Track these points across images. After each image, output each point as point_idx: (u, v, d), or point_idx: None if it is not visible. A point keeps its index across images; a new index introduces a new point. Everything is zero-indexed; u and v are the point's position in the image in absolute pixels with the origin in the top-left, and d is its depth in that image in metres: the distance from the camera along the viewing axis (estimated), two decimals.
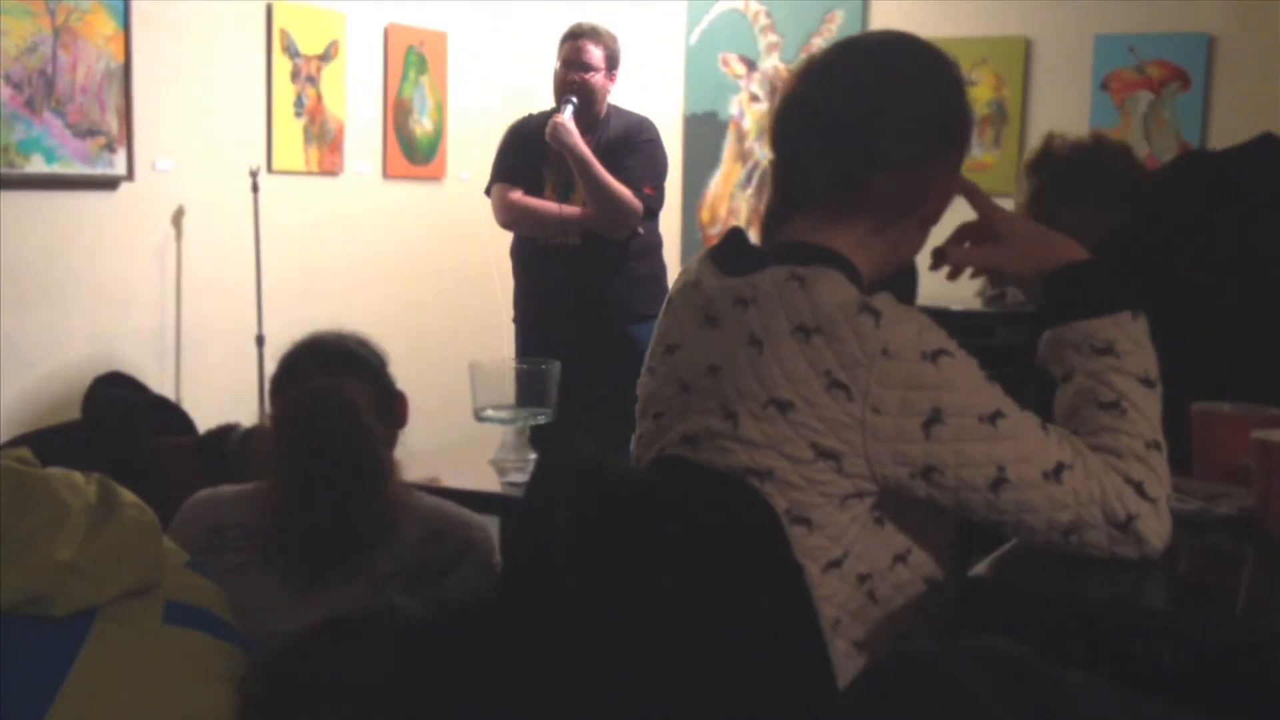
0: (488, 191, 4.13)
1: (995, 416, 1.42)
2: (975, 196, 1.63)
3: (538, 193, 4.02)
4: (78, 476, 1.71)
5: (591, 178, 3.87)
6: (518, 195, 4.00)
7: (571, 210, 3.96)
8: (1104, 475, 1.43)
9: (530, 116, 4.16)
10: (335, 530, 1.92)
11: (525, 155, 4.03)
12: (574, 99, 3.93)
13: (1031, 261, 1.59)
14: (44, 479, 1.67)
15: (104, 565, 1.63)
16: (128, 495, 1.73)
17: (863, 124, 1.52)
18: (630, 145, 4.00)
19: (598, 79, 3.99)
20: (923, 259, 1.70)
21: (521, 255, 4.14)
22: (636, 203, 3.93)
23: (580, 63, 3.97)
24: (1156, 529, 1.44)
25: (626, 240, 4.00)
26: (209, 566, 1.86)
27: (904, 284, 1.64)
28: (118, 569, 1.65)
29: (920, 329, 1.43)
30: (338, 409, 1.96)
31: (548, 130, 3.88)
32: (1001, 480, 1.41)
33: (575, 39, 4.00)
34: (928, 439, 1.41)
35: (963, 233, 1.67)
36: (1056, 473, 1.42)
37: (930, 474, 1.42)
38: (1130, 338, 1.50)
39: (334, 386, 1.98)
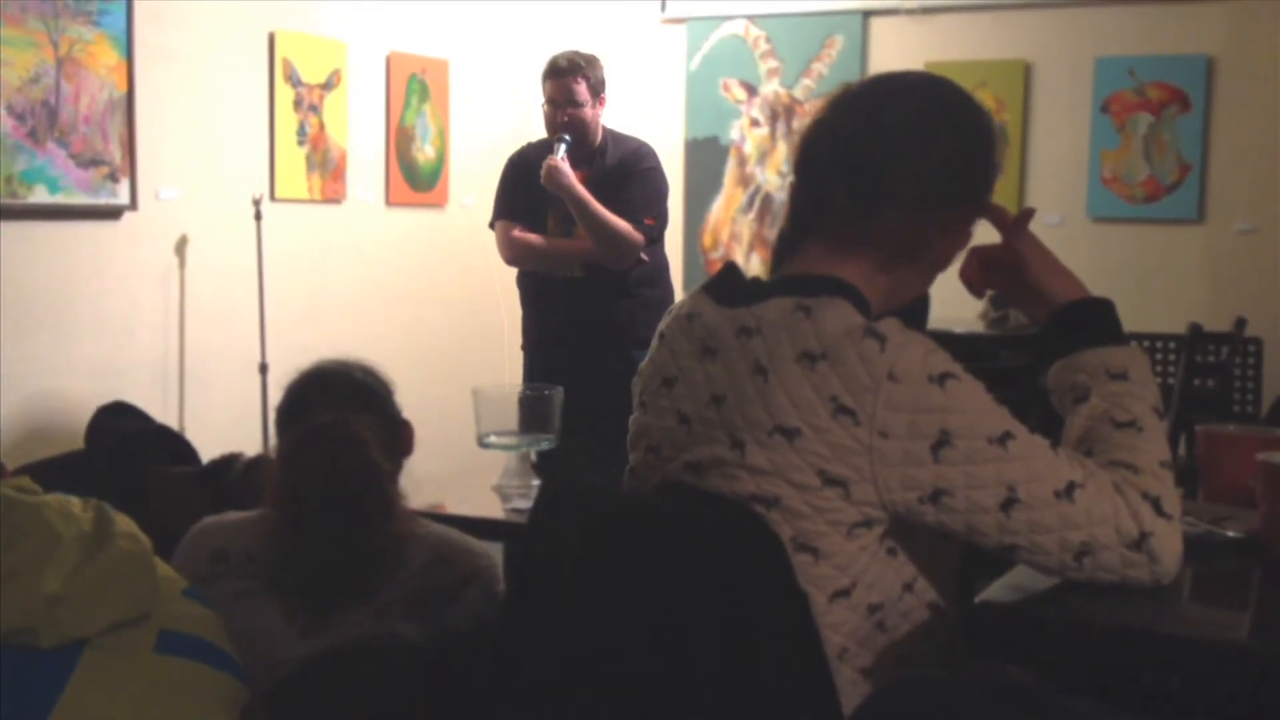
0: (491, 226, 4.13)
1: (1005, 437, 1.42)
2: (1003, 215, 1.64)
3: (539, 226, 3.99)
4: (74, 504, 1.69)
5: (589, 217, 3.85)
6: (518, 232, 3.99)
7: (570, 246, 3.95)
8: (1116, 494, 1.42)
9: (529, 146, 4.14)
10: (340, 565, 1.91)
11: (525, 189, 4.00)
12: (567, 137, 3.90)
13: (1052, 279, 1.60)
14: (36, 507, 1.65)
15: (92, 597, 1.61)
16: (123, 524, 1.71)
17: (882, 159, 1.52)
18: (629, 174, 3.97)
19: (586, 112, 3.96)
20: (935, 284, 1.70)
21: (527, 286, 4.13)
22: (637, 236, 3.90)
23: (565, 100, 3.94)
24: (1171, 548, 1.43)
25: (630, 269, 3.99)
26: (213, 593, 1.86)
27: (916, 309, 1.64)
28: (106, 600, 1.63)
29: (926, 352, 1.43)
30: (345, 445, 1.94)
31: (542, 174, 3.85)
32: (1013, 500, 1.41)
33: (556, 77, 3.96)
34: (936, 462, 1.40)
35: (989, 252, 1.67)
36: (1068, 491, 1.41)
37: (939, 498, 1.41)
38: (1141, 369, 1.53)
39: (341, 422, 1.96)
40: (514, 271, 4.19)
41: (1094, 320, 1.57)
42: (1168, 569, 1.43)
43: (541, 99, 4.04)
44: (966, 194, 1.57)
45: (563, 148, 3.88)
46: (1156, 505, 1.43)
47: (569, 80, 3.94)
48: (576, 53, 4.04)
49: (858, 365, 1.41)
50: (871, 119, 1.55)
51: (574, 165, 3.90)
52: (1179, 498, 1.47)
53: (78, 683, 1.60)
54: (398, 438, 2.09)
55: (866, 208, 1.53)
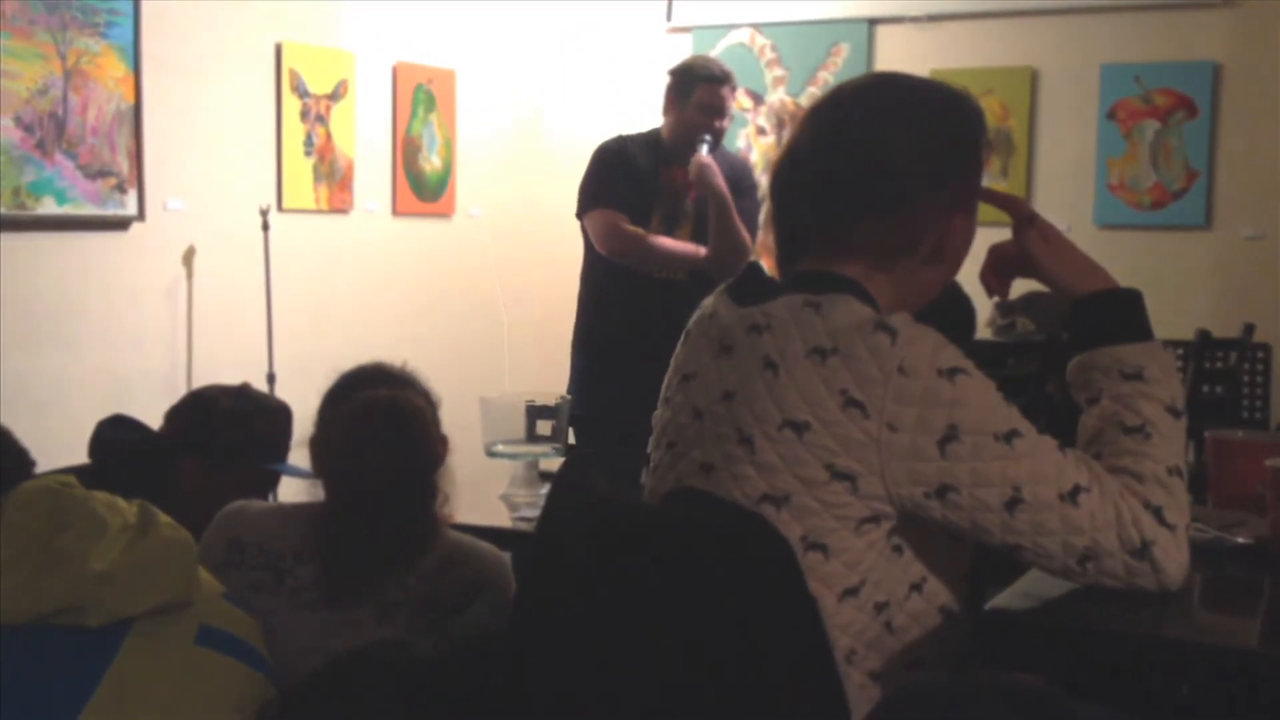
0: (580, 215, 3.91)
1: (1011, 435, 1.42)
2: (1014, 205, 1.63)
3: (643, 223, 3.83)
4: (119, 500, 1.77)
5: (729, 220, 3.75)
6: (627, 224, 3.79)
7: (686, 247, 3.82)
8: (1120, 500, 1.42)
9: (623, 139, 3.96)
10: (383, 539, 1.95)
11: (630, 182, 3.84)
12: (709, 136, 3.81)
13: (1068, 272, 1.60)
14: (84, 498, 1.73)
15: (139, 577, 1.67)
16: (165, 517, 1.78)
17: (842, 172, 1.54)
18: (740, 187, 3.88)
19: (728, 124, 3.91)
20: (978, 293, 1.70)
21: (614, 284, 3.91)
22: (752, 246, 3.85)
23: (722, 109, 3.85)
24: (1174, 557, 1.42)
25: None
26: (226, 582, 1.90)
27: (961, 322, 1.64)
28: (152, 582, 1.69)
29: (936, 347, 1.43)
30: (411, 415, 2.01)
31: (691, 170, 3.75)
32: (1017, 500, 1.41)
33: (718, 84, 3.85)
34: (943, 457, 1.41)
35: (1004, 249, 1.66)
36: (1073, 495, 1.41)
37: (946, 493, 1.42)
38: (1160, 365, 1.51)
39: (406, 396, 2.03)
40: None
41: (1111, 315, 1.56)
42: (1172, 578, 1.43)
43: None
44: (937, 181, 1.55)
45: (705, 147, 3.79)
46: (1159, 515, 1.42)
47: (726, 89, 3.86)
48: (725, 64, 3.97)
49: (868, 358, 1.42)
50: (823, 135, 1.57)
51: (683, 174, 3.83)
52: (1188, 504, 1.46)
53: (120, 665, 1.65)
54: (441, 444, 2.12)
55: (834, 222, 1.55)
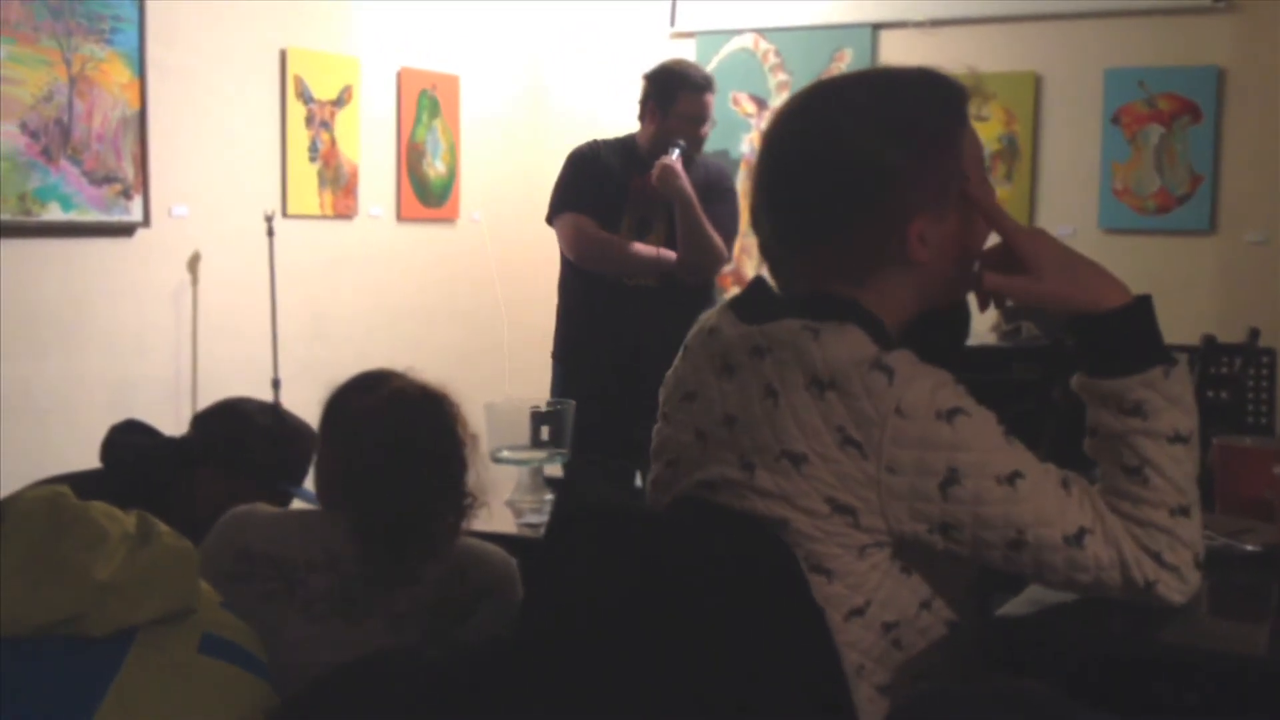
0: (550, 220, 3.89)
1: (1014, 477, 1.39)
2: (997, 218, 1.52)
3: (613, 228, 3.81)
4: (116, 510, 1.77)
5: (695, 224, 3.73)
6: (594, 227, 3.77)
7: (669, 255, 3.79)
8: (1124, 540, 1.41)
9: (596, 144, 3.93)
10: (408, 523, 1.94)
11: (599, 186, 3.82)
12: (682, 143, 3.77)
13: (1061, 298, 1.48)
14: (83, 507, 1.73)
15: (141, 585, 1.67)
16: (164, 526, 1.78)
17: (788, 200, 1.52)
18: (716, 191, 3.86)
19: (709, 129, 3.88)
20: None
21: (587, 291, 3.89)
22: (725, 251, 3.83)
23: (706, 116, 3.82)
24: (1178, 589, 1.41)
25: (706, 285, 3.86)
26: (236, 595, 1.90)
27: (954, 327, 1.61)
28: (155, 590, 1.69)
29: (935, 387, 1.40)
30: (439, 403, 2.01)
31: (655, 174, 3.71)
32: (1021, 542, 1.39)
33: (706, 92, 3.83)
34: (945, 499, 1.39)
35: (989, 257, 1.55)
36: (1078, 538, 1.39)
37: (948, 530, 1.40)
38: (1162, 394, 1.44)
39: (434, 388, 2.02)
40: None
41: (1109, 343, 1.47)
42: (1177, 605, 1.42)
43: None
44: (889, 190, 1.47)
45: (676, 151, 3.75)
46: (1159, 559, 1.41)
47: (709, 95, 3.84)
48: (700, 67, 3.95)
49: (864, 398, 1.39)
50: (770, 164, 1.55)
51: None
52: (1199, 531, 1.43)
53: (126, 676, 1.65)
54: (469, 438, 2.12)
55: (800, 247, 1.53)
